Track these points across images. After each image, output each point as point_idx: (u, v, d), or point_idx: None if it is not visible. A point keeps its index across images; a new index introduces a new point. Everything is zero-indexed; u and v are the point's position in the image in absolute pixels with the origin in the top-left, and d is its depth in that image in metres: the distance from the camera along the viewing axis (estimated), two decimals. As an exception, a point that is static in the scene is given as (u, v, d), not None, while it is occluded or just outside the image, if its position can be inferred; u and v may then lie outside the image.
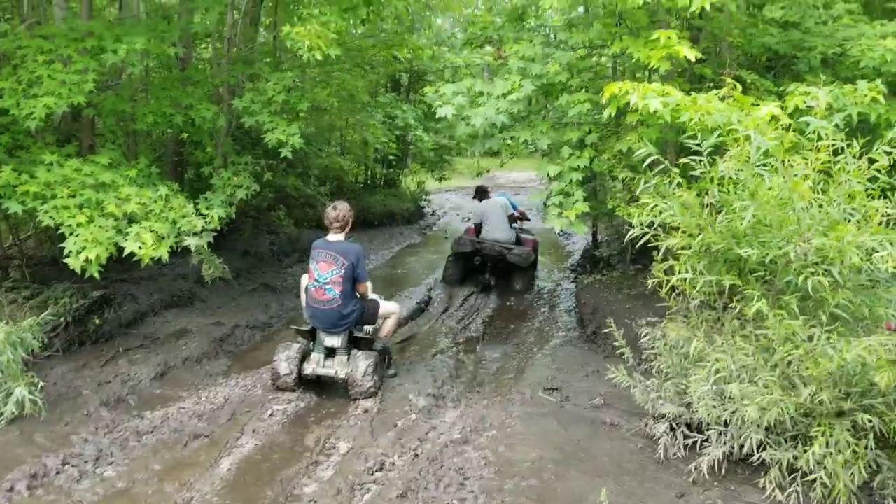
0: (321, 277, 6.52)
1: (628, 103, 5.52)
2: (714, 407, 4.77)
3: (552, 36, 9.23)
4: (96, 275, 6.22)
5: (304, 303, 6.94)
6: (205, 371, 7.36)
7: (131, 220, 6.60)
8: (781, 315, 4.53)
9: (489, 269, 11.24)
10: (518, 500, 4.65)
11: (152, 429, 5.81)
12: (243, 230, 11.60)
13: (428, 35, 19.28)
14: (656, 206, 5.21)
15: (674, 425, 5.18)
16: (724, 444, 4.79)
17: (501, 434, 5.64)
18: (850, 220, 4.64)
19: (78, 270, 6.17)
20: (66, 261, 6.17)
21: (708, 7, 5.67)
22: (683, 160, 5.22)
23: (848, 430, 4.34)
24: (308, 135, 10.99)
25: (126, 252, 6.38)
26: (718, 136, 4.99)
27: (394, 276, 12.59)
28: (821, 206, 4.67)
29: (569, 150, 7.25)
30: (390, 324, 7.20)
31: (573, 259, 14.24)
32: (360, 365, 6.49)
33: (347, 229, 6.68)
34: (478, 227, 11.63)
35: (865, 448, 4.31)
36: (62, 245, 6.21)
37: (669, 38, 5.86)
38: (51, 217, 6.25)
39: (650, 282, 5.42)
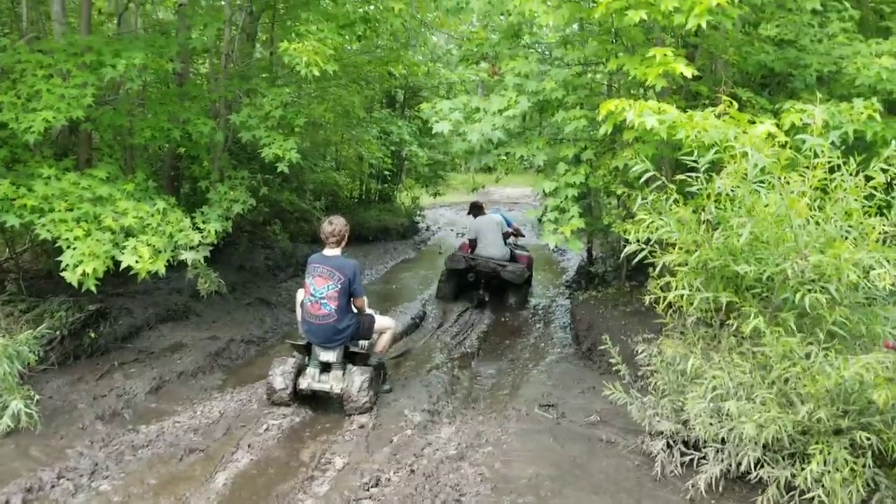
0: (317, 292, 6.52)
1: (624, 120, 5.54)
2: (711, 424, 4.77)
3: (547, 53, 9.26)
4: (93, 288, 6.21)
5: (299, 317, 6.93)
6: (200, 385, 7.34)
7: (128, 233, 6.59)
8: (778, 332, 4.54)
9: (483, 285, 11.23)
10: (515, 516, 4.65)
11: (147, 443, 5.79)
12: (239, 244, 11.59)
13: (423, 51, 19.35)
14: (653, 222, 5.22)
15: (671, 442, 5.18)
16: (722, 461, 4.79)
17: (497, 450, 5.63)
18: (847, 238, 4.65)
19: (75, 284, 6.16)
20: (62, 274, 6.16)
21: (704, 25, 5.69)
22: (680, 176, 5.23)
23: (846, 448, 4.34)
24: (304, 150, 11.01)
25: (123, 266, 6.37)
26: (715, 152, 5.01)
27: (388, 292, 12.58)
28: (818, 223, 4.69)
29: (565, 166, 7.26)
30: (385, 339, 7.19)
31: (568, 275, 14.25)
32: (356, 380, 6.48)
33: (343, 244, 6.69)
34: (472, 244, 11.63)
35: (863, 466, 4.32)
36: (59, 258, 6.21)
37: (666, 55, 5.88)
38: (48, 230, 6.24)
39: (646, 298, 5.41)
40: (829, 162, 4.79)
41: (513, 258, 11.56)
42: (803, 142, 4.89)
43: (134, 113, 8.56)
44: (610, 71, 7.21)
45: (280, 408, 6.53)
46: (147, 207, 6.83)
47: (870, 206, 4.75)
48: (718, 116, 5.18)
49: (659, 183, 5.32)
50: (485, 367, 8.36)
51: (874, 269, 4.38)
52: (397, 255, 16.63)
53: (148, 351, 7.78)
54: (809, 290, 4.50)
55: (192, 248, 6.95)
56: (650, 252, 5.31)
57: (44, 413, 5.87)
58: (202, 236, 7.12)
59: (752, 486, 4.75)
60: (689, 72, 5.80)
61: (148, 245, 6.52)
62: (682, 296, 5.06)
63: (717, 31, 7.01)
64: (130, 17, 9.97)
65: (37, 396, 5.84)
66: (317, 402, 6.77)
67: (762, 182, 4.81)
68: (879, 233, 4.59)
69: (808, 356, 4.45)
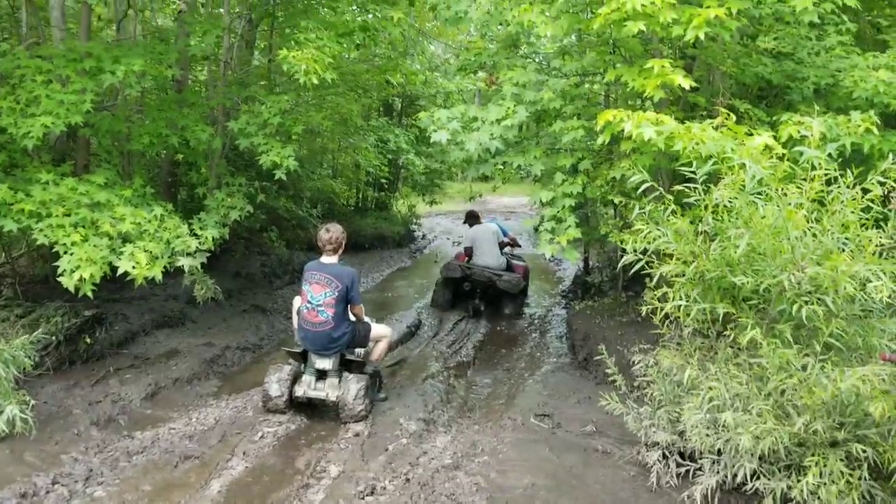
0: (314, 299, 6.52)
1: (622, 130, 5.55)
2: (707, 435, 4.76)
3: (545, 63, 9.29)
4: (90, 294, 6.20)
5: (295, 325, 6.93)
6: (195, 392, 7.33)
7: (125, 239, 6.60)
8: (775, 344, 4.54)
9: (479, 294, 11.23)
10: (511, 526, 4.64)
11: (142, 449, 5.78)
12: (235, 251, 11.58)
13: (421, 60, 19.40)
14: (650, 232, 5.23)
15: (667, 453, 5.18)
16: (718, 472, 4.78)
17: (493, 460, 5.62)
18: (844, 250, 4.67)
19: (71, 289, 6.16)
20: (59, 279, 6.16)
21: (702, 36, 5.71)
22: (677, 187, 5.25)
23: (842, 461, 4.34)
24: (301, 157, 11.02)
25: (120, 272, 6.37)
26: (713, 164, 5.02)
27: (384, 300, 12.58)
28: (815, 235, 4.70)
29: (562, 176, 7.27)
30: (381, 347, 7.19)
31: (564, 285, 14.27)
32: (352, 388, 6.47)
33: (341, 251, 6.69)
34: (468, 252, 11.63)
35: (859, 479, 4.31)
36: (56, 264, 6.21)
37: (664, 66, 5.90)
38: (45, 235, 6.24)
39: (643, 308, 5.42)
40: (827, 174, 4.81)
41: (509, 267, 11.56)
42: (801, 154, 4.90)
43: (132, 119, 8.58)
44: (608, 82, 7.21)
45: (275, 415, 6.52)
46: (144, 213, 6.83)
47: (867, 219, 4.76)
48: (716, 128, 5.20)
49: (656, 193, 5.33)
50: (480, 376, 8.36)
51: (871, 281, 4.39)
52: (393, 263, 16.64)
53: (143, 357, 7.77)
54: (806, 302, 4.51)
55: (189, 254, 6.96)
56: (647, 262, 5.32)
57: (39, 418, 5.85)
58: (199, 243, 7.11)
59: (748, 498, 4.74)
60: (686, 83, 5.82)
61: (145, 251, 6.53)
62: (678, 307, 5.06)
63: (715, 42, 7.04)
64: (129, 24, 9.98)
65: (32, 401, 5.82)
66: (312, 409, 6.76)
67: (760, 194, 4.82)
68: (876, 245, 4.60)
69: (804, 368, 4.45)
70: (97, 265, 6.20)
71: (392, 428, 6.42)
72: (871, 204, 4.74)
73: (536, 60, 9.47)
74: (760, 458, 4.60)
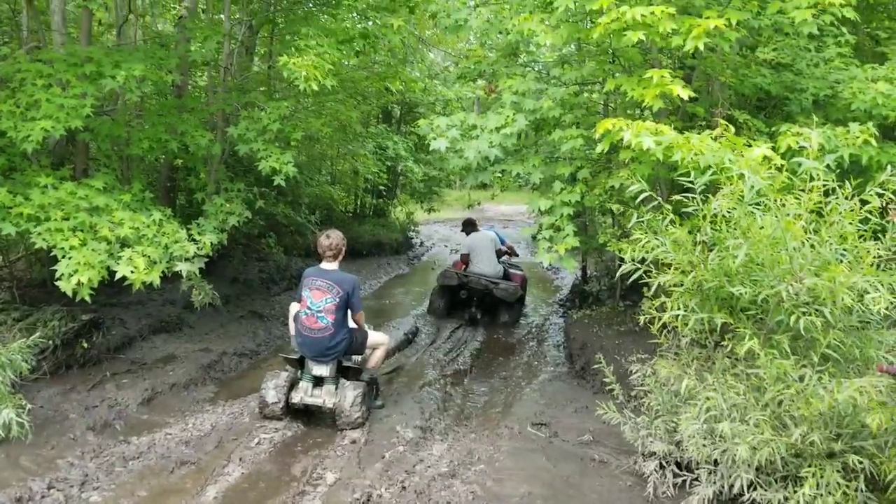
0: (314, 305, 6.52)
1: (621, 139, 5.56)
2: (704, 445, 4.77)
3: (545, 72, 9.31)
4: (87, 298, 6.19)
5: (292, 331, 6.92)
6: (192, 397, 7.32)
7: (124, 244, 6.59)
8: (773, 354, 4.55)
9: (476, 302, 11.22)
10: (507, 534, 4.64)
11: (138, 454, 5.76)
12: (233, 257, 11.58)
13: (420, 68, 19.46)
14: (648, 241, 5.24)
15: (663, 463, 5.18)
16: (714, 483, 4.78)
17: (490, 468, 5.62)
18: (841, 261, 4.67)
19: (69, 293, 6.15)
20: (57, 283, 6.15)
21: (701, 47, 5.73)
22: (676, 197, 5.25)
23: (838, 472, 4.34)
24: (300, 163, 11.01)
25: (118, 276, 6.36)
26: (712, 174, 5.03)
27: (381, 307, 12.57)
28: (813, 246, 4.70)
29: (560, 184, 7.28)
30: (378, 354, 7.18)
31: (562, 294, 14.25)
32: (348, 395, 6.46)
33: (341, 258, 6.70)
34: (465, 260, 11.62)
35: (856, 490, 4.32)
36: (54, 267, 6.20)
37: (663, 76, 5.91)
38: (44, 239, 6.23)
39: (641, 318, 5.42)
40: (825, 185, 4.82)
41: (506, 276, 11.55)
42: (799, 165, 4.91)
43: (132, 124, 8.58)
44: (607, 91, 7.22)
45: (272, 421, 6.51)
46: (143, 218, 6.82)
47: (865, 230, 4.77)
48: (715, 139, 5.21)
49: (655, 203, 5.34)
50: (477, 384, 8.34)
51: (868, 292, 4.40)
52: (391, 270, 16.63)
53: (140, 362, 7.77)
54: (804, 313, 4.51)
55: (187, 259, 6.95)
56: (645, 272, 5.32)
57: (35, 423, 5.84)
58: (197, 248, 7.11)
59: (744, 509, 4.75)
60: (685, 93, 5.83)
61: (143, 256, 6.52)
62: (676, 316, 5.07)
63: (714, 53, 7.07)
64: (130, 29, 10.00)
65: (28, 406, 5.81)
66: (309, 416, 6.75)
67: (758, 204, 4.83)
68: (874, 257, 4.61)
69: (801, 379, 4.45)
70: (95, 269, 6.19)
71: (389, 435, 6.41)
72: (869, 215, 4.75)
73: (536, 69, 9.48)
74: (757, 469, 4.60)
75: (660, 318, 5.18)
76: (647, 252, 5.24)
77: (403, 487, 5.35)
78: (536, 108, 7.36)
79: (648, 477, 5.15)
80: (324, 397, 6.57)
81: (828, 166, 5.49)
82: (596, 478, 5.47)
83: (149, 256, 6.56)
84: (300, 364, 6.76)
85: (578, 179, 7.40)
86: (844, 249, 4.75)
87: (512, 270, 11.97)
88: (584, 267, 12.59)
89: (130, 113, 9.01)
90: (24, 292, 7.76)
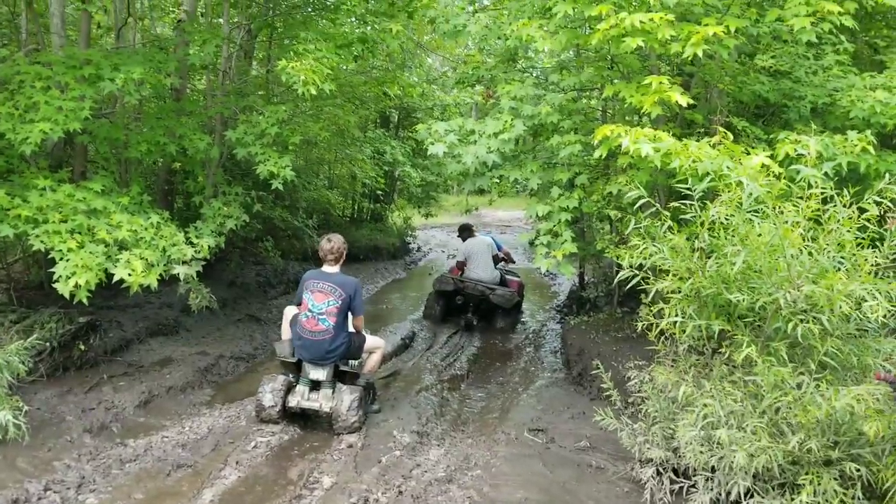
0: (316, 308, 6.52)
1: (619, 146, 5.56)
2: (702, 452, 4.77)
3: (543, 78, 9.31)
4: (85, 300, 6.19)
5: (286, 335, 6.92)
6: (189, 400, 7.32)
7: (122, 246, 6.59)
8: (770, 361, 4.56)
9: (472, 308, 11.22)
10: (504, 540, 4.63)
11: (135, 457, 5.76)
12: (230, 260, 11.56)
13: (419, 73, 19.46)
14: (646, 248, 5.24)
15: (661, 470, 5.18)
16: (712, 490, 4.78)
17: (486, 474, 5.62)
18: (839, 269, 4.68)
19: (67, 296, 6.14)
20: (55, 286, 6.13)
21: (700, 54, 5.74)
22: (674, 203, 5.26)
23: (836, 480, 4.35)
24: (298, 168, 11.01)
25: (115, 279, 6.36)
26: (710, 181, 5.03)
27: (378, 312, 12.55)
28: (811, 253, 4.70)
29: (558, 190, 7.28)
30: (375, 359, 7.18)
31: (559, 300, 14.26)
32: (345, 399, 6.46)
33: (342, 261, 6.72)
34: (461, 266, 11.62)
35: (853, 498, 4.32)
36: (51, 270, 6.19)
37: (661, 83, 5.91)
38: (42, 241, 6.22)
39: (638, 324, 5.42)
40: (823, 193, 4.82)
41: (503, 282, 11.55)
42: (797, 172, 4.92)
43: (130, 127, 8.58)
44: (606, 97, 7.22)
45: (269, 425, 6.51)
46: (141, 221, 6.83)
47: (863, 238, 4.77)
48: (713, 146, 5.21)
49: (653, 209, 5.34)
50: (474, 389, 8.34)
51: (866, 300, 4.41)
52: (388, 274, 16.64)
53: (137, 365, 7.75)
54: (802, 321, 4.52)
55: (184, 262, 6.96)
56: (643, 278, 5.32)
57: (32, 424, 5.83)
58: (195, 251, 7.11)
59: (741, 516, 4.75)
60: (684, 100, 5.83)
61: (141, 258, 6.52)
62: (674, 323, 5.07)
63: (713, 60, 7.07)
64: (129, 32, 10.01)
65: (25, 408, 5.80)
66: (305, 420, 6.75)
67: (756, 211, 4.83)
68: (872, 265, 4.62)
69: (799, 386, 4.46)
70: (93, 272, 6.19)
71: (385, 440, 6.41)
72: (867, 223, 4.75)
73: (534, 75, 9.51)
74: (755, 476, 4.61)
75: (657, 325, 5.18)
76: (644, 258, 5.24)
77: (400, 492, 5.35)
78: (535, 114, 7.36)
79: (645, 483, 5.15)
80: (321, 401, 6.57)
81: (826, 174, 5.50)
82: (593, 484, 5.47)
83: (146, 259, 6.57)
84: (297, 368, 6.75)
85: (576, 185, 7.40)
86: (842, 257, 4.75)
87: (509, 276, 11.97)
88: (581, 273, 12.58)
89: (129, 116, 9.01)
90: (21, 294, 7.74)
